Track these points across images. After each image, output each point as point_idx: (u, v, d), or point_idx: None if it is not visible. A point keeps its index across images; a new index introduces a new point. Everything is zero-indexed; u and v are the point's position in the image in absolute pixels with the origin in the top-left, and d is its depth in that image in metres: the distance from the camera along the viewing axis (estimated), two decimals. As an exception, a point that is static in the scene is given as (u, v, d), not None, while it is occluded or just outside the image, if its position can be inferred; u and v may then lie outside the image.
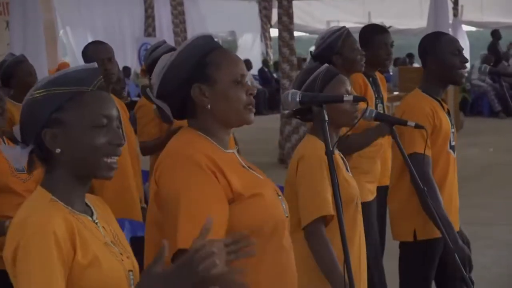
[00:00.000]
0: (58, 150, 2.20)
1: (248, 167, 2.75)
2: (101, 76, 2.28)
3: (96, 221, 2.26)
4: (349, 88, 3.61)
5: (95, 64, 2.30)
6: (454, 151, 4.40)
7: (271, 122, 13.97)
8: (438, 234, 3.77)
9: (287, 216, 2.75)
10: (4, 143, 4.71)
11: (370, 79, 5.40)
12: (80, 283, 2.12)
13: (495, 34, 21.05)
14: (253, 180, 2.67)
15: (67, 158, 2.21)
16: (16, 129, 2.27)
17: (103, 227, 2.27)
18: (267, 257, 2.61)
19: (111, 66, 5.11)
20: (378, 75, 5.53)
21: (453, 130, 4.39)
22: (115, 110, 2.26)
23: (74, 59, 18.22)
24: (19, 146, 2.24)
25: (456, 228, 4.41)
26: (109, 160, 2.22)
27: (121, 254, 2.25)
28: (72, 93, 2.21)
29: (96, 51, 5.14)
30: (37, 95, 2.23)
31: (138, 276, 2.26)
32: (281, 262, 2.66)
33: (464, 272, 3.58)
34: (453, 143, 4.38)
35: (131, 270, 2.25)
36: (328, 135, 2.86)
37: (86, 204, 2.30)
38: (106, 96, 2.27)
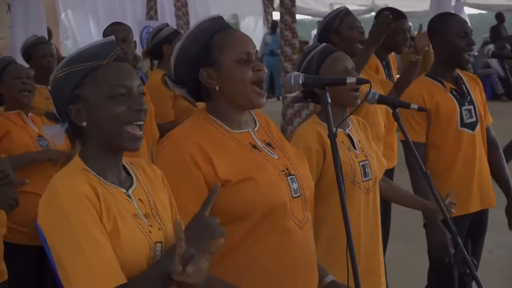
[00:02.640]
0: (84, 124, 2.28)
1: (268, 143, 2.76)
2: (118, 48, 2.33)
3: (129, 193, 2.31)
4: (347, 65, 3.59)
5: (113, 37, 2.36)
6: (473, 128, 4.37)
7: (273, 105, 13.98)
8: (441, 216, 3.77)
9: (298, 196, 2.73)
10: (24, 119, 4.82)
11: (384, 62, 5.40)
12: None
13: (499, 17, 20.97)
14: (251, 163, 2.67)
15: (93, 131, 2.28)
16: (54, 109, 2.35)
17: (139, 199, 2.32)
18: (260, 239, 2.62)
19: (125, 45, 5.24)
20: (391, 57, 5.53)
21: (470, 107, 4.37)
22: (135, 80, 2.30)
23: (75, 43, 18.19)
24: (59, 125, 2.33)
25: (480, 207, 4.40)
26: (131, 130, 2.26)
27: (150, 226, 2.29)
28: (89, 68, 2.28)
29: (112, 31, 5.25)
30: (60, 74, 2.31)
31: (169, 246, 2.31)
32: (280, 245, 2.66)
33: (467, 254, 3.57)
34: (469, 120, 4.36)
35: (160, 242, 2.29)
36: (331, 118, 2.85)
37: (128, 173, 2.36)
38: (123, 66, 2.32)
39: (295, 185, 2.73)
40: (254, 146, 2.73)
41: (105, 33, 5.35)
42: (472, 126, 4.38)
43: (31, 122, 4.99)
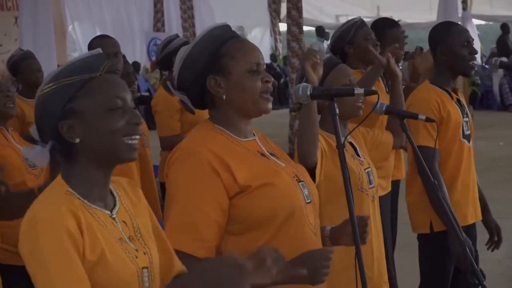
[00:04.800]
0: (77, 140, 2.16)
1: (271, 153, 2.76)
2: (108, 61, 2.24)
3: (114, 216, 2.22)
4: (352, 77, 3.60)
5: (99, 50, 2.27)
6: (469, 140, 4.39)
7: (281, 116, 13.97)
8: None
9: (310, 202, 2.74)
10: (12, 138, 4.74)
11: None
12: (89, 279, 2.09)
13: (504, 28, 20.98)
14: (266, 169, 2.67)
15: (88, 146, 2.17)
16: (33, 129, 2.24)
17: (123, 221, 2.24)
18: (282, 245, 2.61)
19: (116, 60, 5.08)
20: None
21: (466, 119, 4.38)
22: (127, 92, 2.23)
23: (83, 55, 18.24)
24: (39, 145, 2.22)
25: (474, 219, 4.41)
26: (129, 141, 2.19)
27: (136, 250, 2.21)
28: (82, 81, 2.18)
29: (101, 45, 5.10)
30: (48, 89, 2.19)
31: (156, 271, 2.25)
32: (300, 249, 2.65)
33: (475, 265, 3.57)
34: (467, 132, 4.36)
35: (146, 267, 2.22)
36: (339, 128, 2.86)
37: (112, 194, 2.27)
38: (116, 78, 2.24)
39: (306, 191, 2.74)
40: (262, 154, 2.74)
41: (93, 46, 5.17)
42: (468, 138, 4.39)
43: (13, 139, 4.80)
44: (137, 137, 2.21)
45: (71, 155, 2.19)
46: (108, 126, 2.16)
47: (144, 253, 2.24)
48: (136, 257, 2.19)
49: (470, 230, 4.39)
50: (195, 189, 2.57)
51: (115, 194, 2.28)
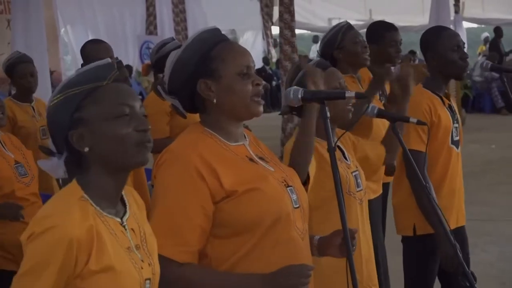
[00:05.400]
0: (86, 149, 2.18)
1: (260, 157, 2.76)
2: (116, 70, 2.27)
3: (124, 223, 2.24)
4: (342, 81, 3.61)
5: (109, 60, 2.29)
6: (458, 146, 4.40)
7: (273, 120, 13.97)
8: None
9: (298, 207, 2.74)
10: (3, 146, 4.72)
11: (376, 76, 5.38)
12: (86, 286, 2.10)
13: (497, 31, 21.03)
14: (254, 174, 2.67)
15: (97, 155, 2.19)
16: (50, 142, 2.26)
17: (132, 229, 2.25)
18: (269, 249, 2.62)
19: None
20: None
21: (456, 125, 4.39)
22: (136, 101, 2.24)
23: (74, 58, 18.21)
24: (56, 157, 2.23)
25: (461, 223, 4.43)
26: (141, 149, 2.20)
27: (142, 261, 2.23)
28: (89, 90, 2.20)
29: (96, 50, 5.08)
30: (56, 100, 2.22)
31: (156, 283, 2.28)
32: (286, 254, 2.66)
33: (466, 267, 3.57)
34: (456, 138, 4.38)
35: (149, 279, 2.24)
36: (330, 132, 2.86)
37: (123, 202, 2.29)
38: (124, 87, 2.26)
39: (294, 196, 2.74)
40: (251, 159, 2.74)
41: (87, 51, 5.17)
42: (457, 144, 4.40)
43: (4, 146, 4.79)
44: (150, 144, 2.22)
45: (83, 164, 2.21)
46: (115, 134, 2.18)
47: (149, 264, 2.26)
48: (142, 268, 2.22)
49: (458, 234, 4.41)
50: (180, 193, 2.58)
51: (126, 201, 2.30)
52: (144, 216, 2.37)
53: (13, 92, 6.48)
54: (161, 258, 2.41)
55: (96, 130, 2.18)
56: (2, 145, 4.74)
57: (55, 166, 2.23)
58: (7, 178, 4.59)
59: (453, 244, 3.99)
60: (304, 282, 2.50)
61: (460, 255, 3.60)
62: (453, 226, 4.37)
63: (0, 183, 4.56)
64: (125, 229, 2.23)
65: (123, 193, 2.30)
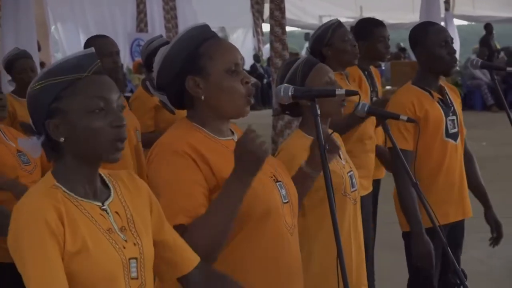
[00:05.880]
0: (62, 139, 2.21)
1: None
2: (98, 61, 2.27)
3: (105, 207, 2.26)
4: (332, 76, 3.60)
5: (93, 49, 2.29)
6: (456, 139, 4.40)
7: (264, 117, 13.98)
8: (429, 224, 3.79)
9: (287, 202, 2.75)
10: (3, 135, 4.73)
11: (365, 72, 5.38)
12: (70, 269, 2.13)
13: (488, 28, 21.07)
14: None
15: (72, 146, 2.22)
16: (30, 121, 2.29)
17: (116, 212, 2.27)
18: (257, 243, 2.63)
19: (118, 59, 5.13)
20: (372, 69, 5.51)
21: (453, 117, 4.39)
22: (114, 93, 2.25)
23: (65, 55, 18.16)
24: (35, 137, 2.26)
25: (461, 217, 4.43)
26: (114, 144, 2.22)
27: (125, 241, 2.24)
28: (68, 81, 2.22)
29: (105, 44, 5.13)
30: (37, 86, 2.24)
31: (147, 262, 2.29)
32: (275, 248, 2.67)
33: (457, 265, 3.57)
34: (452, 131, 4.38)
35: (135, 258, 2.25)
36: (321, 130, 2.85)
37: (106, 185, 2.31)
38: (103, 79, 2.26)
39: (283, 191, 2.76)
40: None
41: (96, 46, 5.16)
42: (455, 137, 4.40)
43: (5, 136, 4.81)
44: (122, 145, 2.23)
45: (58, 151, 2.24)
46: (89, 127, 2.19)
47: (134, 244, 2.26)
48: (124, 247, 2.22)
49: (455, 228, 4.42)
50: (179, 177, 2.58)
51: (110, 186, 2.32)
52: (141, 199, 2.37)
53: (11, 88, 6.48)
54: (176, 228, 2.46)
55: (71, 122, 2.20)
56: (3, 134, 4.75)
57: (34, 146, 2.26)
58: (10, 165, 4.61)
59: (428, 243, 4.03)
60: (256, 139, 2.54)
61: (450, 252, 3.59)
62: (454, 219, 4.40)
63: (4, 170, 4.56)
64: (107, 212, 2.25)
65: (106, 178, 2.33)
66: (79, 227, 2.16)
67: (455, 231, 4.47)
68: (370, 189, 5.01)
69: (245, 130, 2.57)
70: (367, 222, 4.95)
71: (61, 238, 2.12)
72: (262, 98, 20.56)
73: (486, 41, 20.89)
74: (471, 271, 4.30)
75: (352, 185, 3.54)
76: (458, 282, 3.57)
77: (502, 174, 10.85)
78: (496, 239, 4.67)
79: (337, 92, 2.93)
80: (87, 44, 5.22)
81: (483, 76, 18.59)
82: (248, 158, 2.52)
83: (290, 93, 2.94)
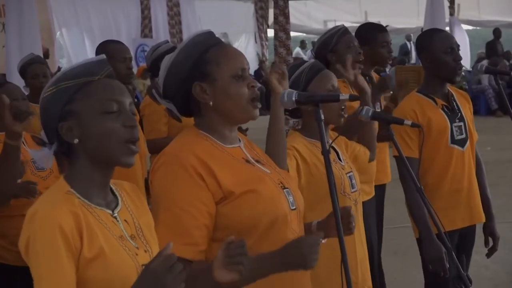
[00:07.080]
0: (76, 141, 2.24)
1: (256, 160, 2.77)
2: (110, 66, 2.31)
3: (115, 215, 2.28)
4: (335, 83, 3.61)
5: (104, 56, 2.33)
6: (463, 145, 4.39)
7: (267, 122, 13.98)
8: (436, 230, 3.79)
9: (294, 208, 2.75)
10: (24, 145, 4.73)
11: (367, 78, 5.36)
12: (85, 276, 2.15)
13: (496, 33, 21.04)
14: (251, 176, 2.68)
15: (85, 148, 2.24)
16: (42, 132, 2.32)
17: (125, 220, 2.29)
18: (265, 251, 2.62)
19: (131, 64, 5.13)
20: (373, 75, 5.50)
21: (460, 123, 4.38)
22: (126, 97, 2.27)
23: (70, 61, 18.18)
24: (46, 148, 2.29)
25: (468, 223, 4.42)
26: (127, 145, 2.23)
27: (137, 248, 2.27)
28: (81, 84, 2.25)
29: (120, 49, 5.15)
30: (48, 92, 2.28)
31: None
32: None
33: (462, 270, 3.56)
34: (459, 137, 4.37)
35: None
36: (324, 134, 2.86)
37: (114, 194, 2.33)
38: (115, 83, 2.29)
39: (291, 198, 2.75)
40: (247, 161, 2.74)
41: (110, 51, 5.08)
42: (462, 143, 4.39)
43: (25, 143, 4.71)
44: (135, 147, 2.25)
45: (71, 156, 2.27)
46: (102, 128, 2.22)
47: (145, 251, 2.29)
48: (136, 254, 2.25)
49: (465, 235, 4.41)
50: (182, 193, 2.57)
51: (117, 195, 2.34)
52: (142, 209, 2.39)
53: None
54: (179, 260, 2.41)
55: (84, 123, 2.23)
56: (24, 142, 4.77)
57: (46, 156, 2.29)
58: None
59: (439, 247, 4.02)
60: (316, 250, 2.53)
61: (455, 257, 3.59)
62: (462, 225, 4.39)
63: None
64: (117, 220, 2.27)
65: (113, 186, 2.34)
66: (95, 233, 2.18)
67: (465, 236, 4.46)
68: (372, 194, 4.99)
69: (316, 233, 2.63)
70: (371, 227, 4.94)
71: (76, 244, 2.14)
72: (266, 103, 20.53)
73: (493, 46, 20.87)
74: (474, 276, 4.29)
75: (352, 186, 3.55)
76: (463, 287, 3.55)
77: (506, 178, 10.83)
78: (490, 249, 4.64)
79: (341, 97, 2.93)
80: (100, 48, 5.23)
81: (488, 81, 18.60)
82: (297, 259, 2.54)
83: (293, 98, 2.94)
